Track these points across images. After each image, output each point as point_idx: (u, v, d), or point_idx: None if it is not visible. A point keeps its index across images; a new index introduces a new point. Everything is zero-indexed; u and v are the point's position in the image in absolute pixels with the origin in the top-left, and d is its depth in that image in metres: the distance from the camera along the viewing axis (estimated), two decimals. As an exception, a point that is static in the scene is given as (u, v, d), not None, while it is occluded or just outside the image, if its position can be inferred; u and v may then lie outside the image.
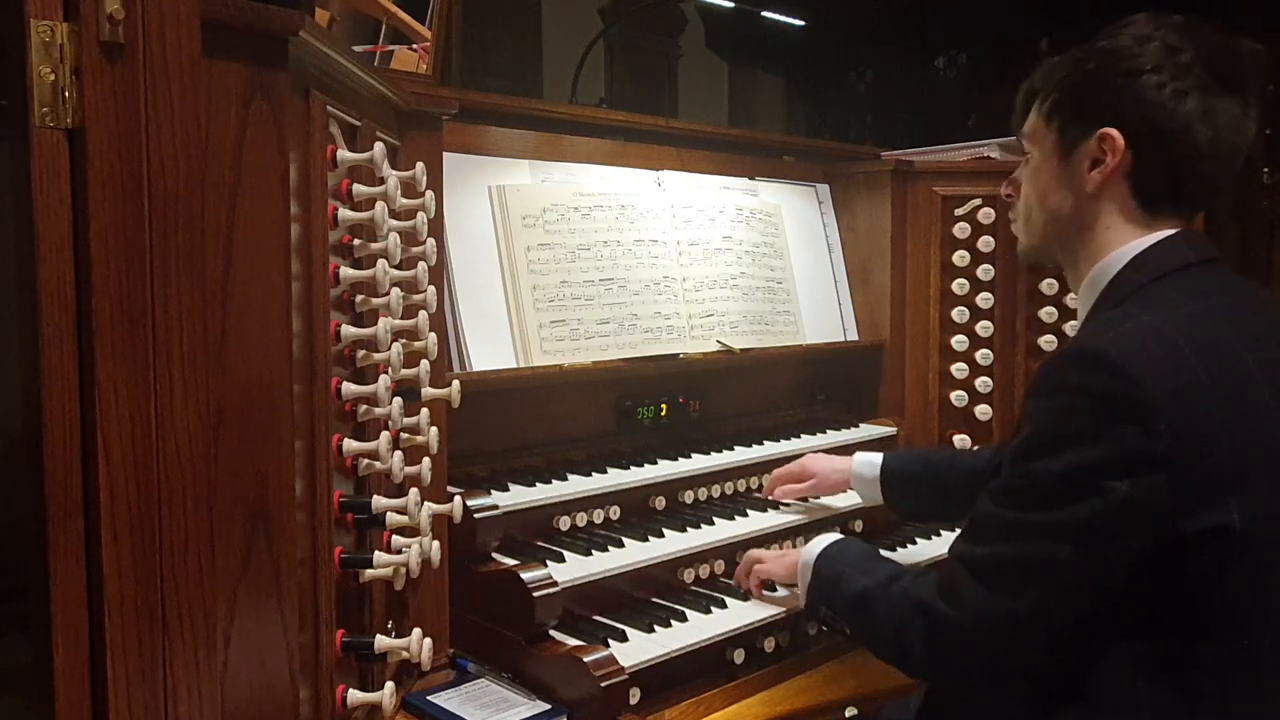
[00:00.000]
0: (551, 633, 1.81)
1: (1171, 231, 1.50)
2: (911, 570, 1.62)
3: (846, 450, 2.58)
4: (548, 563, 1.87)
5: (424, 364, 1.66)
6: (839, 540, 1.81)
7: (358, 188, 1.51)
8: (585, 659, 1.69)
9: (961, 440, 2.76)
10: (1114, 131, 1.47)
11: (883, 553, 2.17)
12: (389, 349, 1.51)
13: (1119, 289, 1.48)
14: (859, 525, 2.38)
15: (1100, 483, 1.31)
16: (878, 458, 2.21)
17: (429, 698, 1.71)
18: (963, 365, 2.75)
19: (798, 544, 2.28)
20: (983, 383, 2.74)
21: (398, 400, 1.53)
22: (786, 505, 2.30)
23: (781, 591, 2.02)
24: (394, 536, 1.58)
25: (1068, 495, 1.34)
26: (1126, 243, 1.50)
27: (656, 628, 1.88)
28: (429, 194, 1.67)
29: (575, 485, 2.06)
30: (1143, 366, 1.30)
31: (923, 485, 2.13)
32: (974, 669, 1.49)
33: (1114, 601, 1.36)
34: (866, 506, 2.31)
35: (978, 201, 2.72)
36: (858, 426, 2.72)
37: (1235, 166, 1.51)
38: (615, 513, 2.09)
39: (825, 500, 2.34)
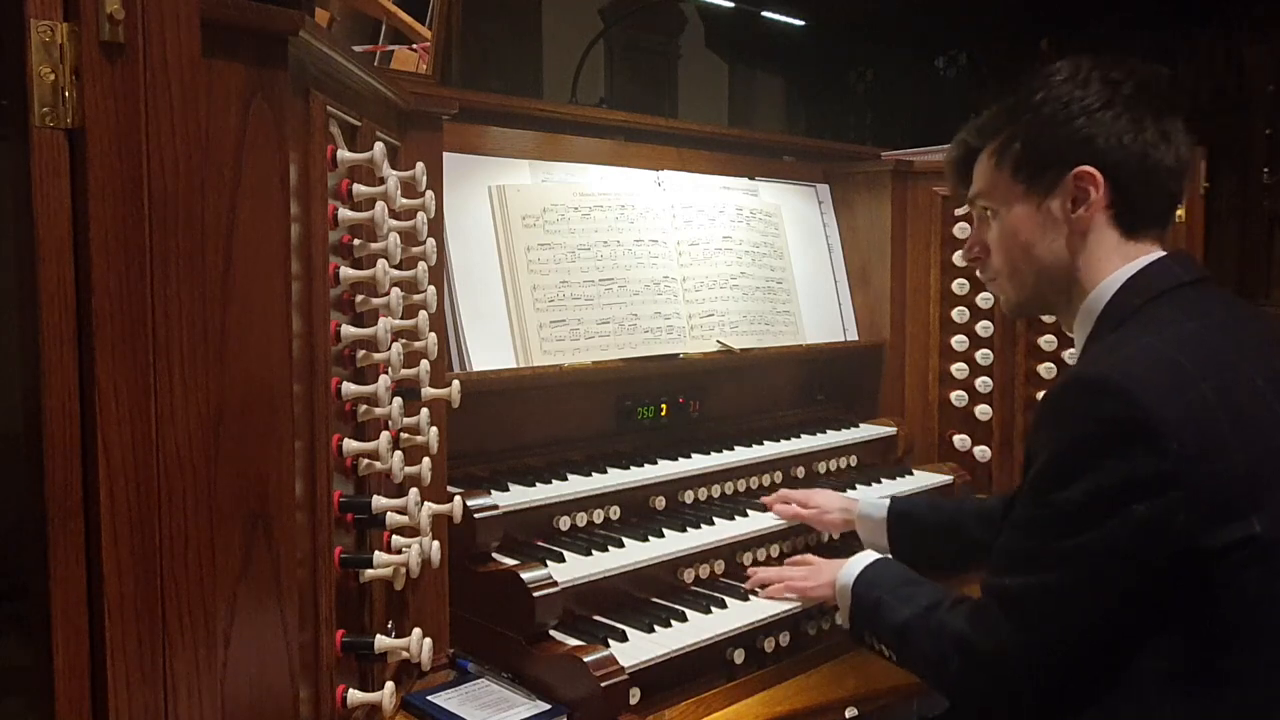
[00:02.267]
0: (551, 633, 1.81)
1: (1159, 254, 1.52)
2: (948, 596, 1.60)
3: (846, 450, 2.60)
4: (548, 563, 1.87)
5: (424, 364, 1.66)
6: (875, 561, 1.79)
7: (358, 188, 1.51)
8: (585, 659, 1.69)
9: (962, 440, 2.76)
10: (1089, 168, 1.50)
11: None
12: (389, 349, 1.51)
13: (1115, 314, 1.50)
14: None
15: (1117, 506, 1.32)
16: (884, 501, 2.15)
17: (429, 698, 1.71)
18: (963, 365, 2.75)
19: (797, 545, 2.29)
20: (983, 383, 2.75)
21: (398, 400, 1.53)
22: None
23: None
24: (394, 536, 1.58)
25: (1087, 521, 1.35)
26: (1115, 270, 1.52)
27: (656, 628, 1.88)
28: (429, 194, 1.67)
29: (575, 485, 2.06)
30: (1148, 389, 1.31)
31: (931, 531, 2.08)
32: (1011, 698, 1.49)
33: (1137, 618, 1.36)
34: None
35: (978, 201, 2.72)
36: (858, 426, 2.72)
37: (1189, 179, 1.57)
38: (615, 513, 2.09)
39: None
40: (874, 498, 2.20)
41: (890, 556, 1.87)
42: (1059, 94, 1.52)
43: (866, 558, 1.81)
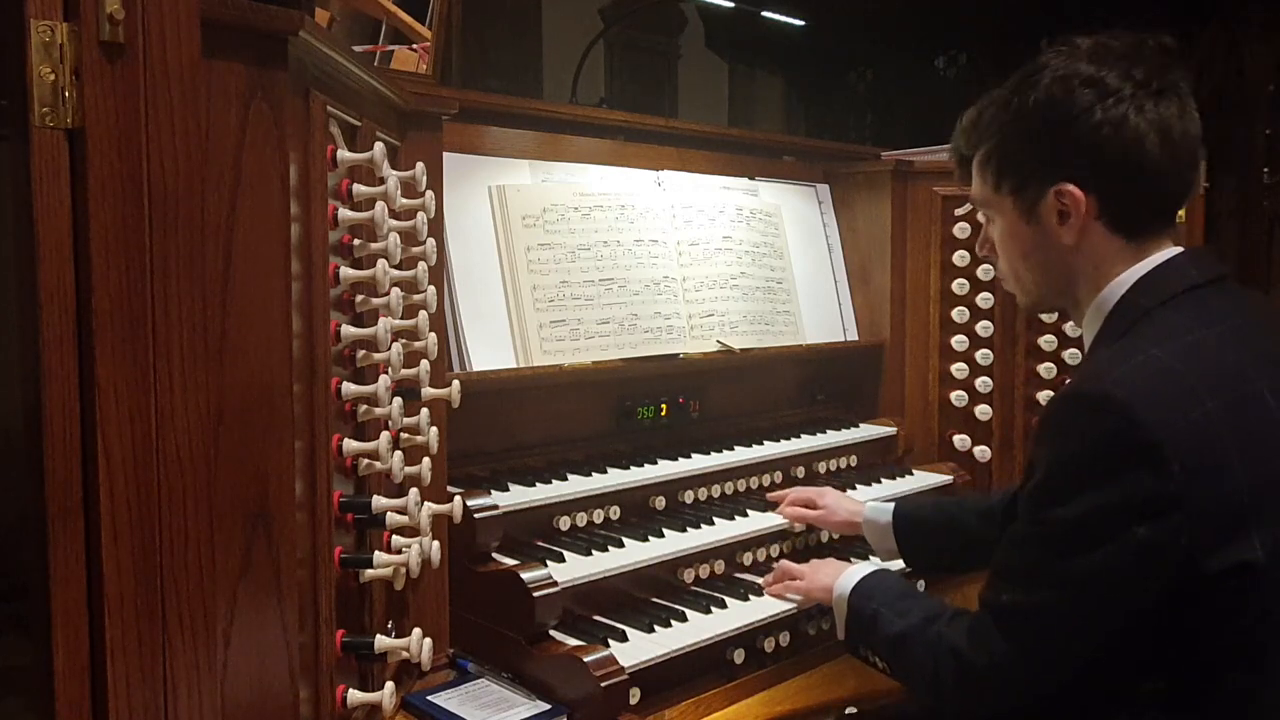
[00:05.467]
0: (551, 633, 1.81)
1: (1174, 252, 1.47)
2: (946, 610, 1.58)
3: (846, 450, 2.60)
4: (548, 563, 1.87)
5: (424, 364, 1.67)
6: (873, 573, 1.77)
7: (358, 188, 1.51)
8: (585, 659, 1.69)
9: (962, 440, 2.76)
10: (1069, 186, 1.44)
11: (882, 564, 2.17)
12: (389, 349, 1.51)
13: (1123, 316, 1.45)
14: (859, 525, 2.37)
15: (1116, 528, 1.29)
16: (889, 505, 2.14)
17: (429, 698, 1.71)
18: (963, 365, 2.75)
19: (797, 545, 2.29)
20: (983, 383, 2.75)
21: (398, 400, 1.53)
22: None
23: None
24: (394, 536, 1.58)
25: (1085, 542, 1.32)
26: (1125, 270, 1.46)
27: (656, 628, 1.88)
28: (429, 194, 1.67)
29: (575, 485, 2.06)
30: (1150, 406, 1.27)
31: (936, 531, 2.07)
32: (1003, 713, 1.48)
33: (1133, 638, 1.35)
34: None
35: (978, 201, 2.72)
36: (858, 426, 2.72)
37: (1198, 159, 1.48)
38: (615, 513, 2.09)
39: None
40: (879, 502, 2.19)
41: (888, 568, 1.86)
42: (1037, 100, 1.45)
43: (864, 569, 1.79)
